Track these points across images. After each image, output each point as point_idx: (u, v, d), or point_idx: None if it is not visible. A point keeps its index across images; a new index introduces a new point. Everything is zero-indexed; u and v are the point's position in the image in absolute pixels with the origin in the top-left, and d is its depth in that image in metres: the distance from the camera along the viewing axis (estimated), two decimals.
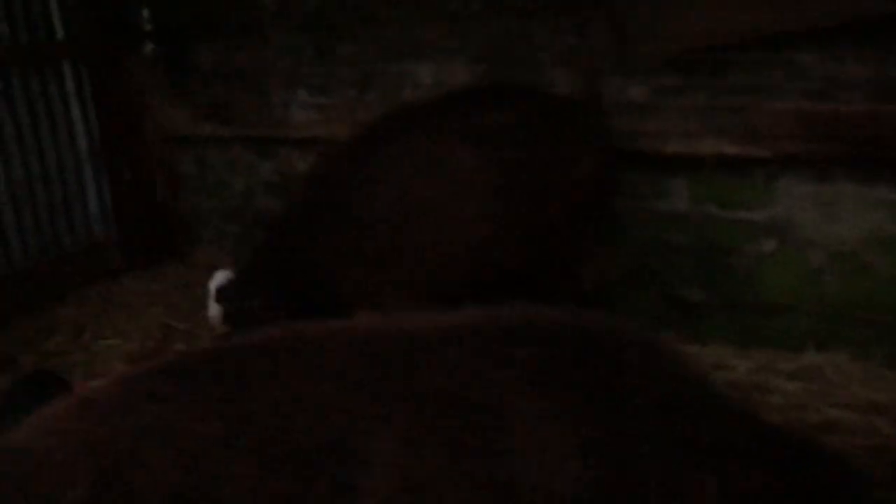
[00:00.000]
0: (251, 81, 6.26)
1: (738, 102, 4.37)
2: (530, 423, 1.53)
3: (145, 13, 6.67)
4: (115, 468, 1.53)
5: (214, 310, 4.43)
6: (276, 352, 1.65)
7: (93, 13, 6.37)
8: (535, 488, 1.45)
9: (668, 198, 4.74)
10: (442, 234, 3.75)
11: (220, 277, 4.49)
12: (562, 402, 1.57)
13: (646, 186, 4.79)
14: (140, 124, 6.56)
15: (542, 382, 1.60)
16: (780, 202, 4.46)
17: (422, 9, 5.34)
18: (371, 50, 5.68)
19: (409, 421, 1.47)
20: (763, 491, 1.54)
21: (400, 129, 3.85)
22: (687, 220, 4.71)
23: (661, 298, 4.87)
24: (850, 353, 4.43)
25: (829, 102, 4.21)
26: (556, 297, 4.64)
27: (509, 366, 1.60)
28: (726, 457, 1.54)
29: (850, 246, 4.38)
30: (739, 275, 4.62)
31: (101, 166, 6.61)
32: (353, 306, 3.64)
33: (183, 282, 6.64)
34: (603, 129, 4.40)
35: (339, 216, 3.60)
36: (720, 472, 1.52)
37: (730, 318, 4.66)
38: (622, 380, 1.64)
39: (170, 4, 6.46)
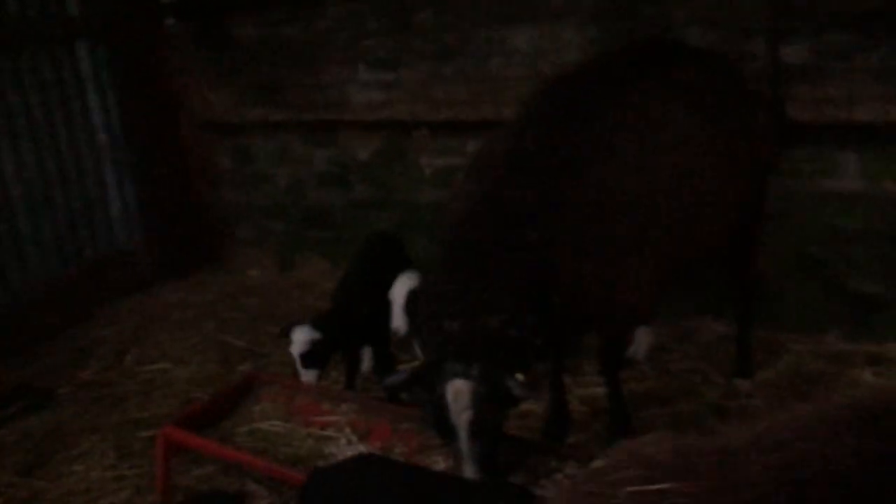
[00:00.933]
0: (302, 58, 5.43)
1: None
2: None
3: None
4: None
5: (309, 376, 3.83)
6: None
7: None
8: None
9: (835, 175, 4.09)
10: (686, 209, 3.12)
11: (300, 340, 3.78)
12: None
13: (807, 162, 4.13)
14: (171, 111, 5.69)
15: None
16: None
17: None
18: (452, 15, 4.91)
19: None
20: None
21: (605, 95, 3.12)
22: (859, 200, 4.06)
23: (825, 291, 4.22)
24: None
25: None
26: (735, 281, 4.00)
27: None
28: None
29: None
30: None
31: (124, 162, 5.72)
32: (590, 303, 2.97)
33: (227, 290, 5.81)
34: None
35: (577, 201, 2.86)
36: None
37: None
38: None
39: None
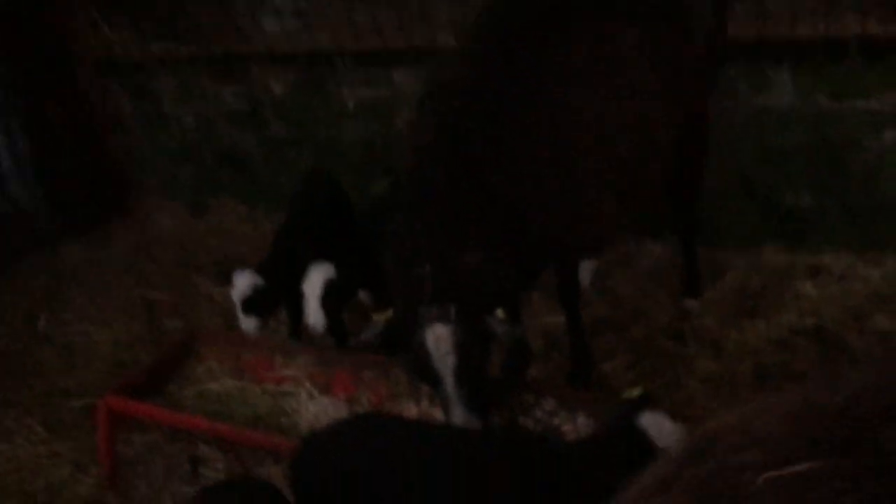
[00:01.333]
0: None
1: None
2: None
3: None
4: None
5: (249, 323, 3.60)
6: None
7: None
8: None
9: (770, 91, 4.11)
10: (642, 138, 3.09)
11: (242, 285, 3.54)
12: None
13: (743, 79, 4.13)
14: (61, 51, 5.15)
15: None
16: None
17: None
18: None
19: None
20: None
21: (553, 25, 2.98)
22: (792, 116, 4.10)
23: (761, 207, 4.29)
24: None
25: None
26: (680, 201, 3.97)
27: None
28: None
29: None
30: (858, 174, 4.09)
31: (12, 110, 5.18)
32: (555, 234, 2.92)
33: (139, 243, 5.41)
34: None
35: (538, 132, 2.76)
36: None
37: (848, 224, 4.14)
38: None
39: None
